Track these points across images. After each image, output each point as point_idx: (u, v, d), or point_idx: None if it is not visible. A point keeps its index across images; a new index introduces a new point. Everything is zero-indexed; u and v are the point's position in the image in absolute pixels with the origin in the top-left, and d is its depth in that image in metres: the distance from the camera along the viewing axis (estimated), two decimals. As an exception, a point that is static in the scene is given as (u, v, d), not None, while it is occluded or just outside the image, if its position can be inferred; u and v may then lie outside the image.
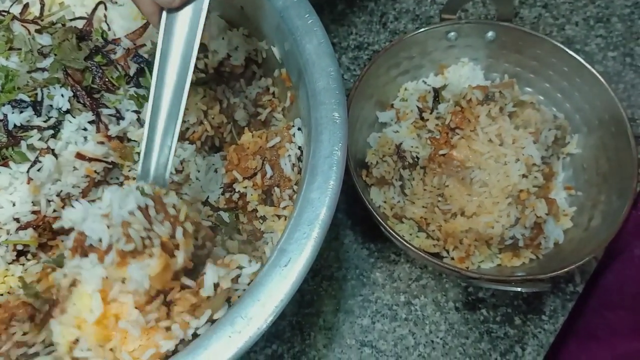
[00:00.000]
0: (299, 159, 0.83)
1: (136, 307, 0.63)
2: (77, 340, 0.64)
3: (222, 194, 0.85)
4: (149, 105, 0.71)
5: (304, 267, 0.64)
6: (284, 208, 0.82)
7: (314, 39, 0.78)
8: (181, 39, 0.71)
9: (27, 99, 0.80)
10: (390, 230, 0.91)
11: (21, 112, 0.80)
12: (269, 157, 0.83)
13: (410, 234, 1.01)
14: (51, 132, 0.80)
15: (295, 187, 0.82)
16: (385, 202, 1.03)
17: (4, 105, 0.79)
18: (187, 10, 0.71)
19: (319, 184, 0.68)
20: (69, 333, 0.64)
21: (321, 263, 1.03)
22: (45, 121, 0.80)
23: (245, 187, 0.84)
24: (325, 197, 0.68)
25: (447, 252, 0.99)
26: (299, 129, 0.84)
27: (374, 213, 0.92)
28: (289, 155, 0.82)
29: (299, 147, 0.83)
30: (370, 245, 1.06)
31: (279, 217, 0.83)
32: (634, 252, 1.04)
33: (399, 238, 0.91)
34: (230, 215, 0.84)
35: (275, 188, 0.82)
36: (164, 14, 0.71)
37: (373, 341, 0.98)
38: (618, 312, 1.06)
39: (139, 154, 0.81)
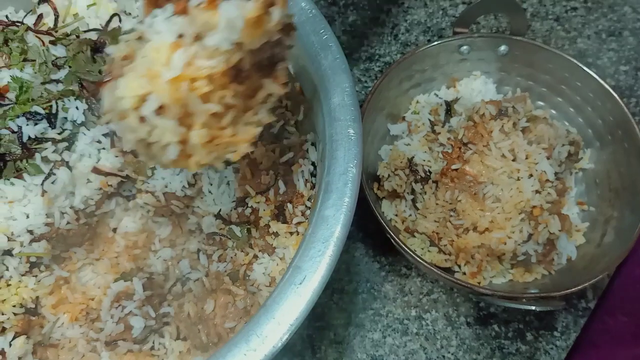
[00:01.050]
0: (312, 175, 0.83)
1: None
2: (145, 98, 0.54)
3: (235, 207, 0.85)
4: None
5: (319, 285, 0.64)
6: (297, 224, 0.82)
7: (330, 54, 0.79)
8: None
9: (42, 111, 0.80)
10: (402, 244, 0.91)
11: (36, 124, 0.80)
12: (282, 173, 0.83)
13: (422, 248, 1.01)
14: (66, 144, 0.80)
15: (308, 204, 0.82)
16: (397, 215, 1.03)
17: (18, 117, 0.79)
18: None
19: (333, 201, 0.68)
20: (138, 84, 0.54)
21: (332, 276, 1.01)
22: (59, 133, 0.80)
23: (258, 202, 0.84)
24: (340, 214, 0.67)
25: (459, 266, 0.99)
26: (313, 144, 0.84)
27: (386, 227, 0.92)
28: (302, 171, 0.82)
29: (313, 163, 0.83)
30: (382, 258, 1.06)
31: (291, 233, 0.83)
32: (636, 255, 1.03)
33: (410, 252, 0.91)
34: (242, 229, 0.84)
35: (288, 204, 0.82)
36: None
37: (384, 355, 0.98)
38: (619, 317, 1.06)
39: (152, 169, 0.81)
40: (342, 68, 0.78)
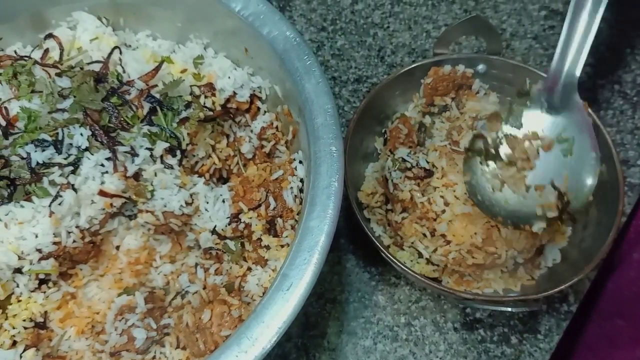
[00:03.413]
0: (301, 191, 0.89)
1: None
2: None
3: (229, 223, 0.91)
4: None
5: (305, 290, 0.69)
6: (287, 237, 0.88)
7: (312, 79, 0.85)
8: None
9: (49, 139, 0.86)
10: (391, 257, 0.96)
11: (43, 150, 0.85)
12: (273, 189, 0.89)
13: (411, 260, 1.05)
14: (71, 168, 0.85)
15: (297, 218, 0.88)
16: (384, 232, 1.09)
17: (27, 144, 0.85)
18: None
19: (317, 212, 0.74)
20: None
21: (325, 286, 1.08)
22: (65, 158, 0.85)
23: (250, 218, 0.89)
24: (324, 225, 0.73)
25: (448, 279, 1.04)
26: (300, 162, 0.90)
27: (375, 242, 0.97)
28: (291, 188, 0.88)
29: (301, 180, 0.89)
30: (372, 268, 1.11)
31: (282, 246, 0.88)
32: (633, 257, 1.07)
33: (399, 264, 0.96)
34: (236, 243, 0.89)
35: (278, 219, 0.88)
36: None
37: (375, 361, 1.02)
38: (616, 321, 1.09)
39: (151, 192, 0.86)
40: (324, 91, 0.84)
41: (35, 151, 0.85)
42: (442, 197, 1.02)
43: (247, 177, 0.93)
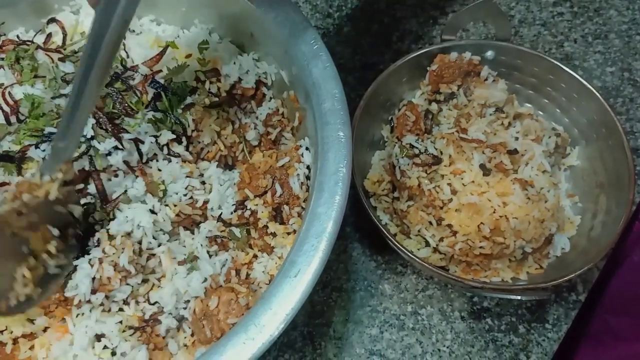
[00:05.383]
0: (307, 178, 0.87)
1: None
2: None
3: (235, 210, 0.90)
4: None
5: (313, 277, 0.68)
6: (293, 225, 0.86)
7: (320, 63, 0.84)
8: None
9: (55, 130, 0.84)
10: (398, 245, 0.95)
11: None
12: (279, 176, 0.87)
13: (418, 249, 1.05)
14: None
15: (303, 205, 0.86)
16: (391, 221, 1.07)
17: (31, 135, 0.84)
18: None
19: (325, 199, 0.73)
20: None
21: (331, 275, 1.07)
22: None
23: (256, 205, 0.88)
24: (331, 211, 0.72)
25: (455, 267, 1.03)
26: (307, 148, 0.88)
27: (382, 230, 0.96)
28: (298, 174, 0.86)
29: (307, 166, 0.87)
30: (378, 257, 1.10)
31: (288, 233, 0.87)
32: (633, 259, 1.07)
33: (406, 252, 0.95)
34: (242, 230, 0.88)
35: (285, 206, 0.87)
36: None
37: (382, 350, 1.02)
38: (621, 318, 1.09)
39: (164, 191, 0.86)
40: (332, 75, 0.82)
41: (44, 149, 0.83)
42: (449, 184, 1.01)
43: (253, 164, 0.91)
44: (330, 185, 0.74)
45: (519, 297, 0.90)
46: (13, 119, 0.87)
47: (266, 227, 0.89)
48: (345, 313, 1.05)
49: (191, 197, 0.88)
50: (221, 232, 0.89)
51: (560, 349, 1.04)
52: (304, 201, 0.87)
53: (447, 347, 1.02)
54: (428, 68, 1.14)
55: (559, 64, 1.09)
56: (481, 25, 1.34)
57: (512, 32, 1.20)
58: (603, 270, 1.09)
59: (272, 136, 0.99)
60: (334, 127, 0.78)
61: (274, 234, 0.88)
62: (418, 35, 1.35)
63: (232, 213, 0.90)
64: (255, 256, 0.89)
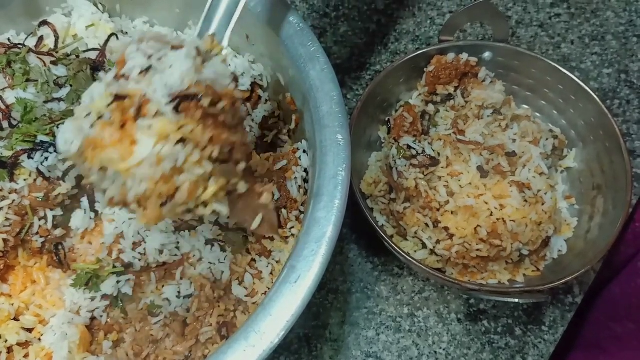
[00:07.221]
0: (305, 181, 0.87)
1: None
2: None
3: (232, 214, 0.89)
4: None
5: (313, 283, 0.68)
6: (291, 229, 0.86)
7: (317, 65, 0.83)
8: None
9: (47, 139, 0.83)
10: (395, 246, 0.95)
11: (43, 153, 0.82)
12: (276, 180, 0.87)
13: (415, 251, 1.04)
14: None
15: (301, 209, 0.86)
16: (388, 222, 1.07)
17: (24, 141, 0.83)
18: None
19: (325, 203, 0.72)
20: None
21: (327, 277, 1.07)
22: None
23: (254, 208, 0.87)
24: (331, 215, 0.71)
25: (452, 269, 1.03)
26: (304, 151, 0.88)
27: (379, 232, 0.96)
28: (296, 178, 0.86)
29: (305, 170, 0.87)
30: (374, 259, 1.10)
31: (286, 237, 0.87)
32: (638, 265, 1.06)
33: (402, 254, 0.94)
34: (238, 235, 0.88)
35: (282, 209, 0.86)
36: None
37: (378, 352, 1.01)
38: (625, 324, 1.08)
39: None
40: (330, 78, 0.82)
41: (42, 163, 0.82)
42: (446, 186, 1.00)
43: (250, 167, 0.90)
44: (330, 189, 0.73)
45: (515, 300, 0.90)
46: (5, 123, 0.86)
47: (264, 230, 0.88)
48: (342, 315, 1.04)
49: None
50: (218, 236, 0.88)
51: (557, 352, 1.04)
52: (302, 205, 0.86)
53: (444, 350, 1.02)
54: (425, 69, 1.14)
55: (556, 65, 1.09)
56: (479, 26, 1.34)
57: (509, 33, 1.19)
58: (600, 273, 1.10)
59: (269, 139, 0.98)
60: (332, 130, 0.78)
61: (271, 238, 0.88)
62: (415, 35, 1.34)
63: (228, 217, 0.89)
64: (253, 260, 0.88)
